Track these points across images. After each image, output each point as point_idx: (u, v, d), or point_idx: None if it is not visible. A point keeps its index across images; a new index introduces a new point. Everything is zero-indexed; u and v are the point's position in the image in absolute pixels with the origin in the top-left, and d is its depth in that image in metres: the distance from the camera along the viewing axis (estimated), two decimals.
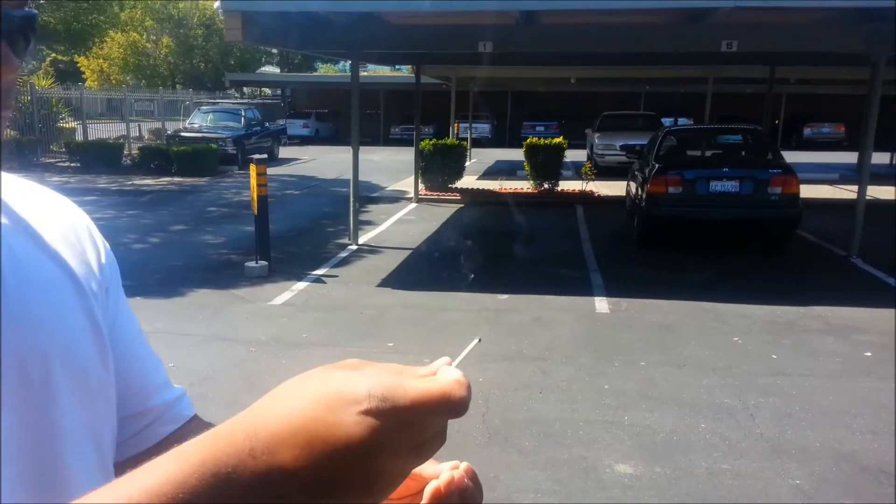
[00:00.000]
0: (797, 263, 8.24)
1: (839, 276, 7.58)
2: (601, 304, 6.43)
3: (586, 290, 6.90)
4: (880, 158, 17.39)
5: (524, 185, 14.23)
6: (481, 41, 8.19)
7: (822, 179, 15.48)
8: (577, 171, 14.79)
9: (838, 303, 6.35)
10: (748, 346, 5.33)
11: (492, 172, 18.12)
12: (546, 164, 13.65)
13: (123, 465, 0.70)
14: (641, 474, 3.45)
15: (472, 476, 0.56)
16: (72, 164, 17.10)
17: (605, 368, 4.84)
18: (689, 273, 7.66)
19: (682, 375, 4.72)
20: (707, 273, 7.68)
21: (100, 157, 16.71)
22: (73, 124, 21.76)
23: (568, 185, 14.02)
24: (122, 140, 20.25)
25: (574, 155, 18.15)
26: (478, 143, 26.86)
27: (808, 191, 8.52)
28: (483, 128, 30.28)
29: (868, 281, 7.37)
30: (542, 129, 28.88)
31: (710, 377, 4.69)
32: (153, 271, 7.47)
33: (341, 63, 34.70)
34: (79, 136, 20.34)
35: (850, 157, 20.48)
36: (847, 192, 13.41)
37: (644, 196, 8.86)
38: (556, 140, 13.89)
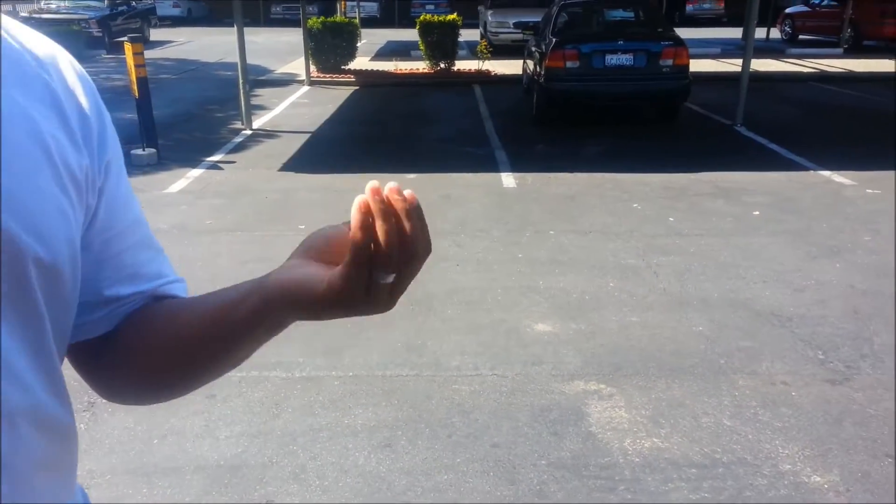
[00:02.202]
0: (687, 133, 8.61)
1: (726, 144, 8.00)
2: (508, 179, 6.51)
3: (492, 166, 6.95)
4: (758, 34, 18.11)
5: (420, 66, 13.86)
6: None
7: (704, 54, 15.98)
8: (472, 51, 14.53)
9: (727, 168, 6.74)
10: (647, 211, 5.59)
11: (384, 53, 17.49)
12: (441, 43, 13.28)
13: (95, 340, 0.70)
14: (559, 331, 3.64)
15: (405, 197, 0.58)
16: None
17: (517, 239, 4.97)
18: (588, 146, 7.85)
19: (589, 241, 4.92)
20: (604, 146, 7.89)
21: None
22: None
23: (464, 65, 13.78)
24: None
25: (468, 34, 17.76)
26: (366, 22, 25.70)
27: (692, 65, 8.77)
28: (371, 6, 28.95)
29: (753, 147, 7.83)
30: (432, 7, 27.85)
31: (615, 241, 4.91)
32: None
33: None
34: None
35: (730, 33, 21.21)
36: (728, 65, 13.95)
37: (542, 72, 8.85)
38: (450, 17, 13.48)
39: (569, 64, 8.63)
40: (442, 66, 13.46)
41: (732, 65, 13.46)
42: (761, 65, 13.53)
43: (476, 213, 5.57)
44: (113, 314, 0.70)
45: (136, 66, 6.93)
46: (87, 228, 0.63)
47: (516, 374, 3.24)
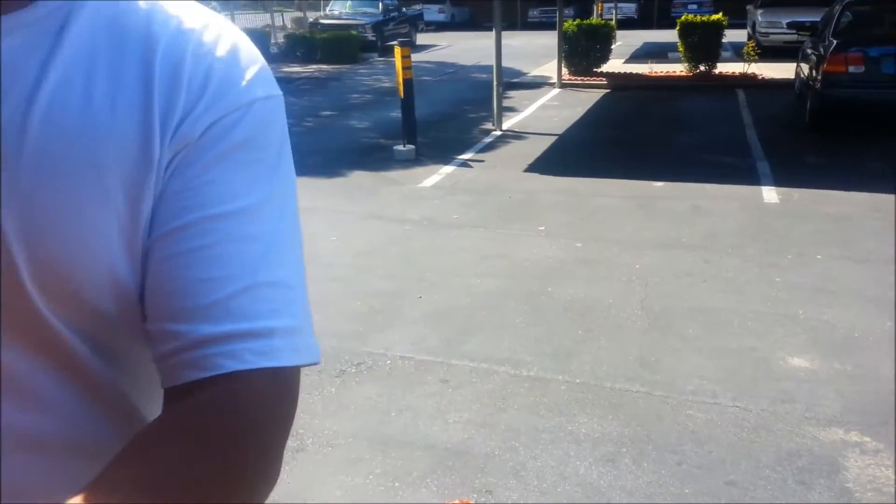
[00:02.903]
0: None
1: None
2: (769, 193, 5.96)
3: (752, 178, 6.41)
4: None
5: (677, 68, 13.24)
6: None
7: None
8: (737, 53, 13.55)
9: None
10: None
11: (639, 55, 16.99)
12: (702, 45, 12.55)
13: None
14: (818, 369, 3.25)
15: None
16: None
17: (776, 260, 4.52)
18: (869, 162, 6.90)
19: (866, 270, 4.32)
20: (890, 162, 6.88)
21: None
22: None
23: (727, 68, 12.89)
24: (268, 29, 20.73)
25: (732, 35, 16.57)
26: (623, 24, 25.17)
27: None
28: (628, 7, 28.26)
29: None
30: (695, 7, 26.42)
31: None
32: (311, 153, 7.73)
33: None
34: None
35: None
36: None
37: (819, 76, 7.97)
38: (715, 17, 12.69)
39: (851, 68, 7.66)
40: (702, 68, 12.72)
41: None
42: None
43: (729, 228, 5.18)
44: (163, 364, 0.52)
45: (404, 68, 7.48)
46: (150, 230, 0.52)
47: (762, 410, 2.95)
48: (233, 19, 18.86)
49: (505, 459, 2.72)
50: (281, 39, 19.01)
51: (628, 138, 8.54)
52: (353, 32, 17.52)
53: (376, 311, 3.97)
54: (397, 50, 7.49)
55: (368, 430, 2.92)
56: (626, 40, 20.94)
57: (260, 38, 17.76)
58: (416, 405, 3.08)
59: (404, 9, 22.31)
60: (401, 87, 7.54)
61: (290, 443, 2.82)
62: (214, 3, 21.38)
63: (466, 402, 3.10)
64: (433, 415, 3.02)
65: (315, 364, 0.54)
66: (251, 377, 0.49)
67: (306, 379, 3.27)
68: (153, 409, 0.59)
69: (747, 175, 6.53)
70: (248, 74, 0.56)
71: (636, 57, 16.70)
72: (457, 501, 2.51)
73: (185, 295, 0.50)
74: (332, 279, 4.39)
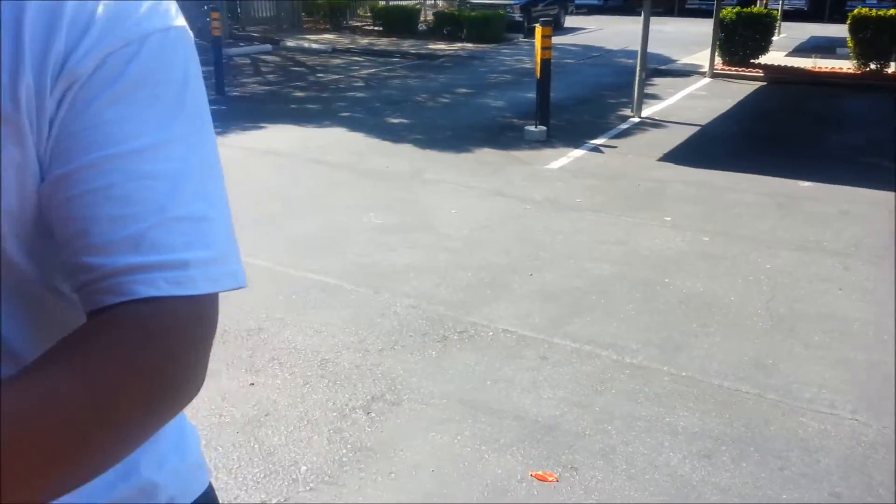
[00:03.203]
0: None
1: None
2: None
3: None
4: None
5: (845, 65, 12.19)
6: None
7: None
8: None
9: None
10: None
11: (804, 49, 15.76)
12: (875, 41, 11.47)
13: None
14: None
15: None
16: (375, 28, 18.38)
17: None
18: None
19: None
20: None
21: (399, 22, 17.70)
22: None
23: None
24: (418, 6, 21.15)
25: None
26: (791, 15, 23.42)
27: None
28: None
29: None
30: (874, 0, 24.14)
31: None
32: (442, 129, 7.88)
33: None
34: (381, 2, 21.67)
35: None
36: None
37: None
38: (892, 11, 11.53)
39: None
40: (872, 66, 11.65)
41: None
42: None
43: (878, 235, 4.75)
44: (82, 293, 0.53)
45: (543, 48, 7.40)
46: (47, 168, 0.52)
47: (884, 427, 2.72)
48: None
49: (595, 440, 2.69)
50: (430, 17, 19.33)
51: (778, 134, 8.00)
52: (501, 12, 17.50)
53: (485, 283, 4.01)
54: (538, 30, 7.42)
55: (462, 395, 2.97)
56: (792, 32, 19.49)
57: (408, 15, 18.20)
58: (513, 377, 3.10)
59: None
60: (538, 68, 7.48)
61: (388, 396, 2.94)
62: None
63: (563, 381, 3.08)
64: (528, 388, 3.02)
65: (240, 288, 0.56)
66: (166, 302, 0.51)
67: (409, 339, 3.38)
68: None
69: None
70: (144, 7, 0.54)
71: (800, 50, 15.52)
72: (541, 472, 2.52)
73: (98, 232, 0.51)
74: (445, 249, 4.48)
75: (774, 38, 13.59)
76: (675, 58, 14.20)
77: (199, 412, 2.79)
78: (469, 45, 15.99)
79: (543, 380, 3.09)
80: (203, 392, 2.18)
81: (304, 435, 2.71)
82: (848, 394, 2.93)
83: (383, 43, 16.06)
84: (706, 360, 3.22)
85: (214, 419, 2.78)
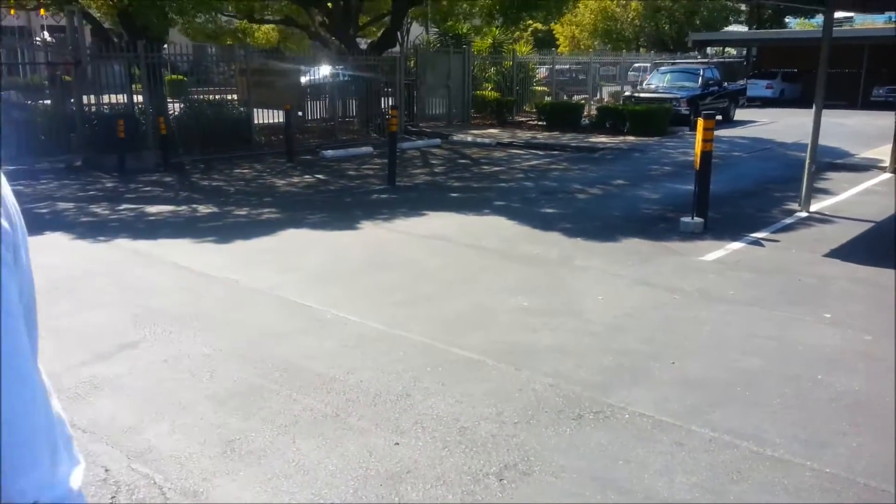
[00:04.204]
0: None
1: None
2: None
3: None
4: None
5: None
6: None
7: None
8: None
9: None
10: None
11: None
12: None
13: None
14: None
15: None
16: (539, 122, 19.17)
17: None
18: None
19: None
20: None
21: (563, 117, 18.35)
22: (544, 87, 24.27)
23: None
24: (583, 101, 21.80)
25: None
26: None
27: None
28: None
29: None
30: None
31: None
32: (592, 218, 8.08)
33: (818, 17, 30.98)
34: (547, 98, 22.61)
35: None
36: None
37: None
38: None
39: None
40: None
41: None
42: None
43: None
44: None
45: (704, 140, 7.46)
46: None
47: None
48: (555, 92, 20.17)
49: None
50: (593, 112, 19.84)
51: None
52: (667, 106, 17.61)
53: (625, 368, 4.09)
54: (700, 122, 7.51)
55: (593, 472, 3.07)
56: None
57: (571, 109, 18.82)
58: (645, 459, 3.15)
59: (726, 83, 21.75)
60: (697, 159, 7.53)
61: (520, 466, 3.12)
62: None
63: (698, 468, 3.08)
64: (660, 472, 3.06)
65: None
66: None
67: (545, 415, 3.54)
68: None
69: None
70: None
71: None
72: None
73: None
74: (588, 333, 4.62)
75: None
76: (853, 152, 13.48)
77: (348, 464, 3.11)
78: (630, 138, 16.19)
79: (677, 464, 3.11)
80: (352, 447, 2.66)
81: (439, 493, 2.94)
82: None
83: (544, 137, 16.69)
84: (853, 458, 3.08)
85: (361, 472, 3.09)
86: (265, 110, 15.02)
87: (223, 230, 7.67)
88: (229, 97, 15.33)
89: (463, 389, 3.84)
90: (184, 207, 8.92)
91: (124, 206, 9.00)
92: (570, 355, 4.27)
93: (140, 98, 12.94)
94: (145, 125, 12.71)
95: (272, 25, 20.75)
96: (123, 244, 7.01)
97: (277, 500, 2.89)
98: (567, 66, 27.56)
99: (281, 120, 14.41)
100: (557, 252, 6.66)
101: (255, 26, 19.98)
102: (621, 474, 3.04)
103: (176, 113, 13.93)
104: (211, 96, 14.62)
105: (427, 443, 3.32)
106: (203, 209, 8.84)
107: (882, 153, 12.55)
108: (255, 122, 14.79)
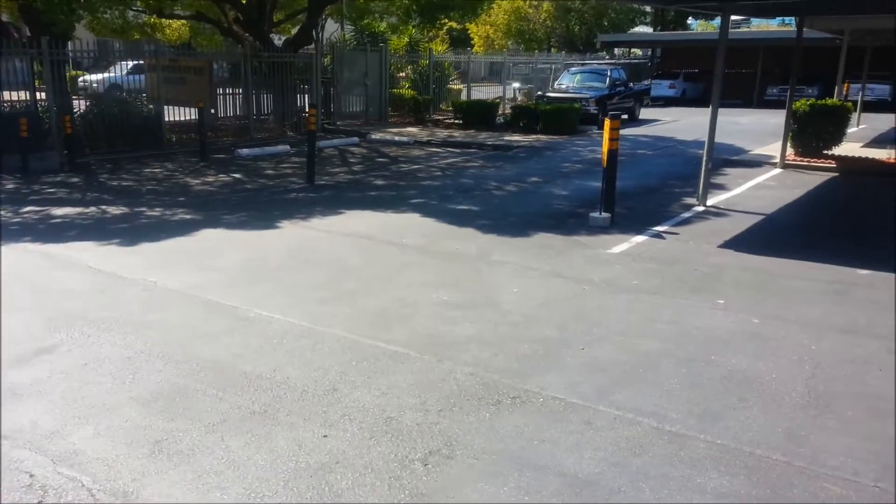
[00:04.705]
0: None
1: None
2: None
3: None
4: None
5: None
6: None
7: None
8: None
9: None
10: None
11: (883, 140, 15.67)
12: None
13: None
14: None
15: None
16: (456, 121, 19.47)
17: None
18: None
19: None
20: None
21: (478, 116, 18.72)
22: (459, 86, 24.62)
23: None
24: (497, 100, 22.26)
25: None
26: (874, 106, 23.23)
27: None
28: (882, 89, 26.07)
29: None
30: None
31: None
32: (508, 214, 8.39)
33: (718, 19, 32.72)
34: (463, 97, 22.96)
35: None
36: None
37: None
38: None
39: None
40: None
41: None
42: None
43: None
44: None
45: (610, 139, 7.88)
46: None
47: None
48: (469, 91, 20.49)
49: (630, 496, 2.95)
50: (508, 111, 20.32)
51: (843, 224, 8.10)
52: (576, 106, 18.27)
53: (540, 355, 4.35)
54: (606, 122, 7.93)
55: (510, 452, 3.30)
56: (874, 123, 19.37)
57: (487, 109, 19.21)
58: (558, 438, 3.41)
59: (632, 84, 22.71)
60: (605, 157, 7.94)
61: (444, 451, 3.31)
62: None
63: (605, 444, 3.36)
64: (571, 448, 3.32)
65: None
66: None
67: (466, 402, 3.75)
68: None
69: None
70: None
71: (879, 141, 15.44)
72: None
73: None
74: (506, 324, 4.87)
75: (852, 130, 13.65)
76: (747, 148, 14.42)
77: (278, 458, 3.22)
78: (543, 137, 16.72)
79: (586, 441, 3.38)
80: (281, 442, 2.85)
81: (368, 480, 3.09)
82: (873, 464, 3.09)
83: (461, 135, 17.01)
84: (741, 430, 3.44)
85: (291, 465, 3.20)
86: (176, 108, 14.65)
87: (136, 231, 7.52)
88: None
89: (388, 381, 4.00)
90: (92, 209, 8.66)
91: (29, 207, 8.66)
92: (488, 345, 4.51)
93: (43, 95, 12.36)
94: (49, 124, 12.18)
95: (183, 21, 20.13)
96: (31, 248, 6.78)
97: (209, 496, 2.97)
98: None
99: (193, 117, 14.11)
100: (476, 247, 6.91)
101: (165, 21, 19.34)
102: (536, 453, 3.28)
103: (81, 111, 13.41)
104: (118, 93, 14.13)
105: (355, 434, 3.46)
106: (113, 210, 8.61)
107: (774, 150, 13.51)
108: (166, 119, 14.41)
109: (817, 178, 11.01)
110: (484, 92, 24.41)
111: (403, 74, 23.00)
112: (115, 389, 3.89)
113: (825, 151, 12.64)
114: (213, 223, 7.92)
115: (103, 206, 8.80)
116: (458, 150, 14.79)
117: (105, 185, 10.43)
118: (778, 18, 31.30)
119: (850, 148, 13.46)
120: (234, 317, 4.99)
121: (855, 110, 16.45)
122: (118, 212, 8.53)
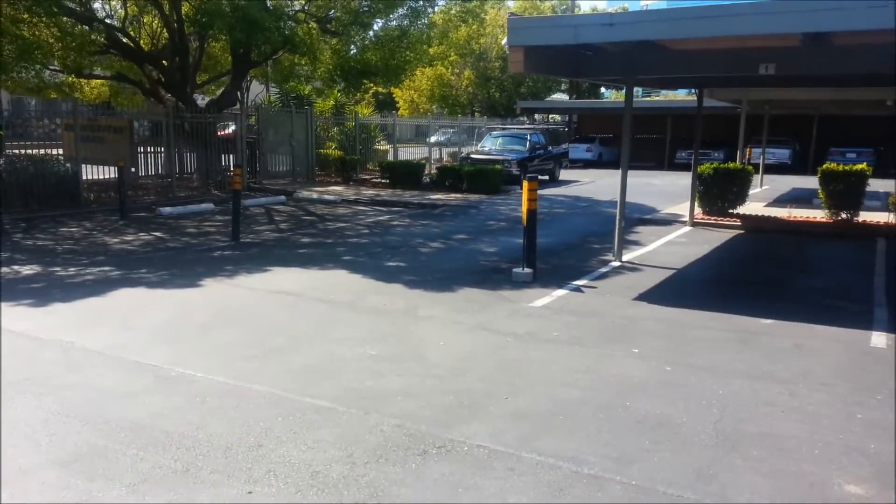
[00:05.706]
0: None
1: None
2: (878, 338, 5.91)
3: (864, 323, 6.36)
4: None
5: (818, 214, 13.11)
6: (762, 63, 7.95)
7: None
8: (886, 203, 13.20)
9: None
10: None
11: (784, 200, 16.85)
12: (845, 193, 12.48)
13: None
14: (872, 497, 3.31)
15: None
16: (382, 180, 19.76)
17: (864, 399, 4.55)
18: None
19: None
20: None
21: (405, 175, 19.07)
22: (386, 147, 25.07)
23: (871, 217, 12.61)
24: (423, 161, 22.76)
25: (887, 185, 16.13)
26: (774, 169, 24.97)
27: None
28: (781, 153, 28.05)
29: None
30: (853, 156, 25.78)
31: None
32: (434, 270, 8.57)
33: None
34: (390, 157, 23.37)
35: None
36: None
37: None
38: (859, 167, 12.68)
39: None
40: (843, 216, 12.55)
41: None
42: None
43: (825, 366, 5.22)
44: None
45: (529, 199, 8.23)
46: None
47: None
48: (395, 152, 20.87)
49: None
50: (433, 171, 20.79)
51: (747, 277, 8.65)
52: (498, 167, 18.90)
53: (465, 406, 4.46)
54: (525, 183, 8.29)
55: (437, 500, 3.36)
56: (775, 185, 20.81)
57: (413, 169, 19.61)
58: (483, 485, 3.50)
59: (551, 147, 23.68)
60: (524, 216, 8.27)
61: (370, 502, 3.33)
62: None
63: (527, 489, 3.47)
64: (495, 494, 3.41)
65: None
66: None
67: (393, 454, 3.80)
68: None
69: (860, 320, 6.47)
70: None
71: (781, 201, 16.59)
72: None
73: None
74: (432, 376, 4.96)
75: (755, 191, 14.64)
76: (659, 208, 15.22)
77: None
78: (469, 196, 17.16)
79: (510, 487, 3.48)
80: (206, 499, 2.91)
81: None
82: (776, 498, 3.30)
83: (388, 194, 17.26)
84: (655, 471, 3.61)
85: None
86: (95, 166, 14.34)
87: (51, 291, 7.28)
88: (54, 152, 14.49)
89: (315, 436, 4.01)
90: (4, 269, 8.33)
91: None
92: (415, 397, 4.58)
93: None
94: None
95: (102, 80, 19.86)
96: None
97: None
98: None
99: (113, 176, 13.83)
100: (403, 303, 7.01)
101: (84, 80, 19.04)
102: (462, 500, 3.35)
103: None
104: (32, 151, 13.74)
105: (280, 489, 3.45)
106: (26, 270, 8.30)
107: (683, 209, 14.30)
108: (84, 178, 14.06)
109: (724, 235, 11.71)
110: (410, 152, 24.91)
111: (330, 135, 23.25)
112: (32, 451, 3.75)
113: (730, 210, 13.49)
114: (133, 282, 7.75)
115: (16, 266, 8.48)
116: (384, 209, 14.99)
117: (19, 245, 10.05)
118: (683, 89, 33.44)
119: (753, 207, 14.42)
120: (155, 376, 4.89)
121: (757, 172, 17.68)
122: (32, 271, 8.23)
